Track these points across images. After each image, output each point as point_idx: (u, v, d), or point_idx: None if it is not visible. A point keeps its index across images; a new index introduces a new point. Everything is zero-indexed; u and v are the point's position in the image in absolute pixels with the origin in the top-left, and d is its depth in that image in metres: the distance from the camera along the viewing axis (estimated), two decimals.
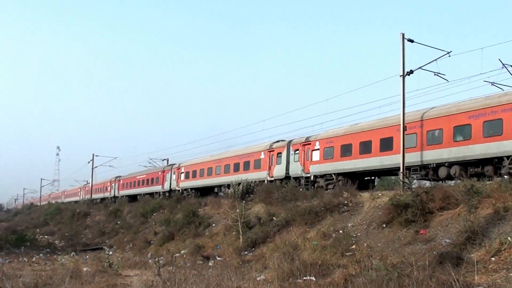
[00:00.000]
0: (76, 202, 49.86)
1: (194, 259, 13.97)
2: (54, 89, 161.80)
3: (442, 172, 11.83)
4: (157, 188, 30.03)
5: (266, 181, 18.07)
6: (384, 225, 10.73)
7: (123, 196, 36.32)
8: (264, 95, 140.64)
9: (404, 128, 12.38)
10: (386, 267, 8.02)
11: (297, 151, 16.94)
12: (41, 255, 18.92)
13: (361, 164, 13.81)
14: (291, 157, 17.24)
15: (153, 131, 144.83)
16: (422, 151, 12.14)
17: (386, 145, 13.11)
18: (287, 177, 17.11)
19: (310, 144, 16.31)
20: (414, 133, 12.45)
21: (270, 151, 18.76)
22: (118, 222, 27.18)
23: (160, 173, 30.14)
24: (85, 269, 12.83)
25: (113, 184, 40.44)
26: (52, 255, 19.29)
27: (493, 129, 10.61)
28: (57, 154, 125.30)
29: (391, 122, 13.23)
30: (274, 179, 17.55)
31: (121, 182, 38.26)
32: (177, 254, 15.39)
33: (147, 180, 32.13)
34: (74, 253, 19.55)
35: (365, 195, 13.03)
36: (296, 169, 16.81)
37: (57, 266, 14.24)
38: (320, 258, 9.85)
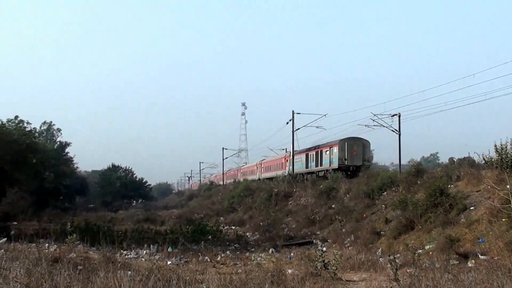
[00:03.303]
0: (252, 181, 66.89)
1: (445, 257, 17.27)
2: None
3: None
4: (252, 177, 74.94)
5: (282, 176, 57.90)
6: None
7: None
8: None
9: None
10: None
11: (294, 158, 57.93)
12: (228, 252, 25.79)
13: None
14: (291, 162, 58.80)
15: (375, 78, 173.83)
16: None
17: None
18: (290, 174, 56.88)
19: (295, 155, 57.73)
20: None
21: (285, 158, 64.17)
22: (333, 206, 34.21)
23: (255, 165, 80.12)
24: (290, 271, 17.03)
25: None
26: (243, 252, 26.28)
27: None
28: (243, 114, 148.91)
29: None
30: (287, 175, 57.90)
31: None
32: (420, 250, 19.34)
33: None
34: (273, 249, 26.33)
35: None
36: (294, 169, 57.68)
37: (251, 268, 18.73)
38: None
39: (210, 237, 30.74)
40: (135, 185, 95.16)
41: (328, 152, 49.04)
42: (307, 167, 54.77)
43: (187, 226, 33.08)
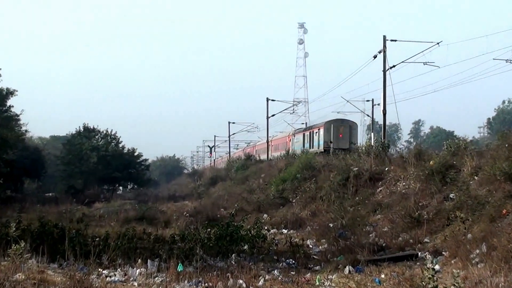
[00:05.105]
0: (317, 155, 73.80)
1: None
2: None
3: None
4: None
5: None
6: None
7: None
8: None
9: None
10: None
11: (295, 137, 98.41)
12: (276, 272, 26.28)
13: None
14: (292, 141, 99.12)
15: None
16: None
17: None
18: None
19: (296, 134, 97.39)
20: None
21: (289, 137, 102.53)
22: (452, 195, 34.11)
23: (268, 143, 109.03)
24: None
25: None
26: (302, 272, 26.66)
27: None
28: (301, 42, 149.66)
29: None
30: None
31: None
32: None
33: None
34: (351, 267, 26.38)
35: None
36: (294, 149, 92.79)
37: None
38: None
39: (246, 247, 31.06)
40: (123, 160, 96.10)
41: (317, 134, 77.12)
42: (303, 147, 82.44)
43: (208, 229, 33.05)
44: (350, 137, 71.37)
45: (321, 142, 73.55)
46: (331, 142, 70.23)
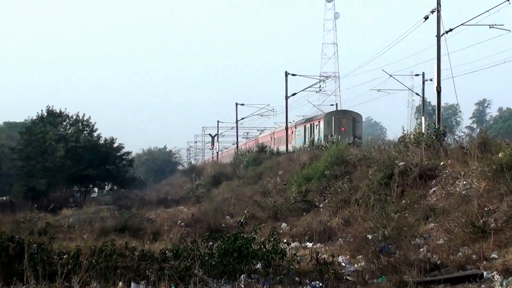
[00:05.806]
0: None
1: None
2: None
3: None
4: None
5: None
6: None
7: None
8: None
9: None
10: None
11: (296, 129, 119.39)
12: None
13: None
14: (294, 134, 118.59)
15: None
16: None
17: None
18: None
19: (297, 126, 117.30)
20: None
21: (291, 129, 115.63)
22: None
23: (270, 135, 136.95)
24: None
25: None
26: None
27: None
28: (329, 0, 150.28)
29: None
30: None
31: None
32: None
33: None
34: None
35: None
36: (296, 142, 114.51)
37: None
38: None
39: (259, 265, 30.99)
40: (98, 153, 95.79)
41: (317, 127, 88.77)
42: (305, 142, 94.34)
43: (210, 243, 33.01)
44: (354, 130, 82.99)
45: (321, 136, 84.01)
46: (331, 136, 78.46)
